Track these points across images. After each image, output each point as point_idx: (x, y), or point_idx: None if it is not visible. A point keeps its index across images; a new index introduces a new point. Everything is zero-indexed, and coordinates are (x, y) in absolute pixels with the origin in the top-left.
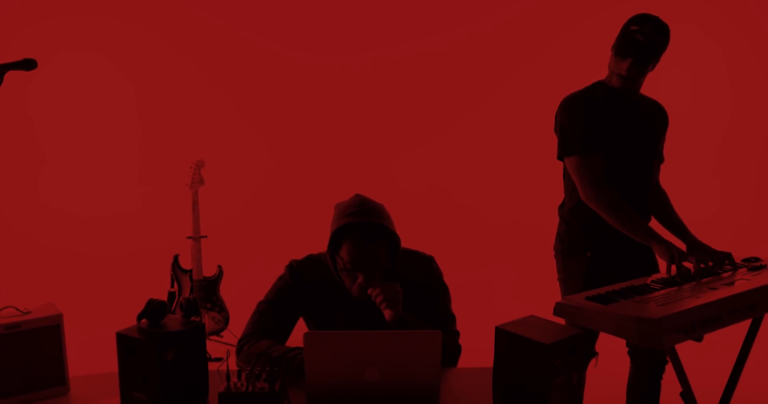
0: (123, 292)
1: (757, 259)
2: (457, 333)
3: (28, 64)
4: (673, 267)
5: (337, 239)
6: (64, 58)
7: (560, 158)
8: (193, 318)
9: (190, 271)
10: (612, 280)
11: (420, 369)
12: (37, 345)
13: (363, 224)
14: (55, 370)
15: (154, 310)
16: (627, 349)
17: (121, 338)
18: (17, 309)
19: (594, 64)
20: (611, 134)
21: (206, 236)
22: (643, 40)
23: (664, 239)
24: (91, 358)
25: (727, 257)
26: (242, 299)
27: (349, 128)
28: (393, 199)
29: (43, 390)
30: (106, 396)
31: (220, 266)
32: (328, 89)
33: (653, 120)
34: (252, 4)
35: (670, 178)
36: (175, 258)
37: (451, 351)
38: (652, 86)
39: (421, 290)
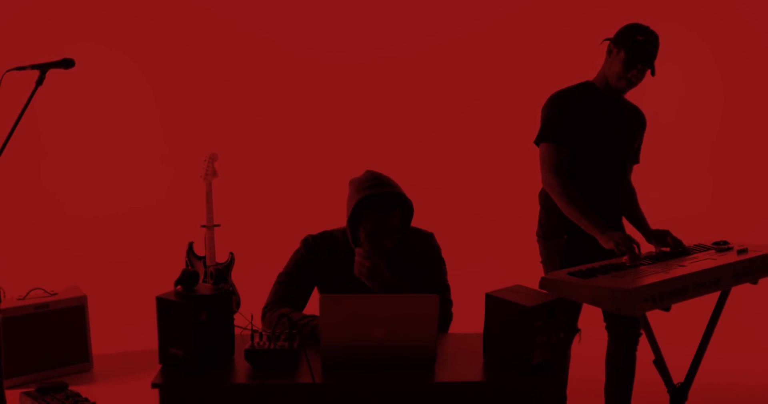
0: (141, 277)
1: (725, 242)
2: (451, 302)
3: (67, 63)
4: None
5: (358, 210)
6: (79, 53)
7: (536, 143)
8: (221, 286)
9: (204, 257)
10: (588, 260)
11: (419, 327)
12: (64, 324)
13: (381, 195)
14: (80, 348)
15: (188, 278)
16: (605, 324)
17: (161, 301)
18: (45, 291)
19: (589, 61)
20: (590, 131)
21: (219, 225)
22: (652, 49)
23: (608, 229)
24: (112, 339)
25: (680, 243)
26: (253, 284)
27: (356, 123)
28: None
29: (68, 366)
30: (126, 372)
31: (231, 253)
32: (337, 86)
33: (632, 123)
34: (264, 3)
35: (665, 176)
36: (190, 245)
37: (445, 317)
38: (646, 86)
39: (421, 262)
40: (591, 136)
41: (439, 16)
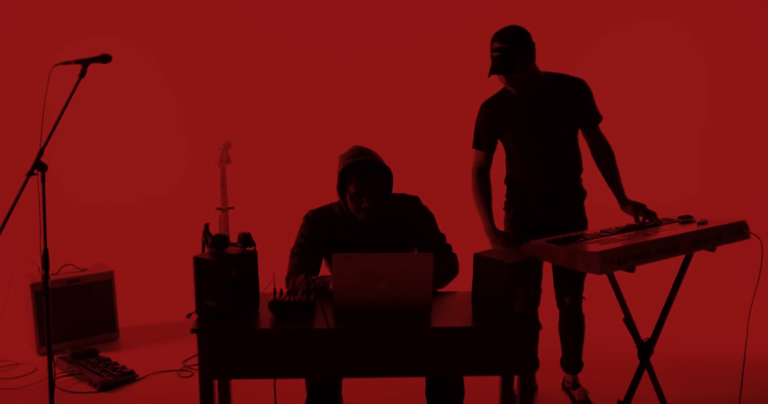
0: (162, 255)
1: (689, 216)
2: (449, 246)
3: (105, 58)
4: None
5: (344, 176)
6: (93, 45)
7: None
8: (248, 248)
9: None
10: (527, 232)
11: (416, 281)
12: (93, 297)
13: (363, 162)
14: (108, 319)
15: (220, 241)
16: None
17: (197, 261)
18: (75, 267)
19: (576, 55)
20: (510, 130)
21: (233, 208)
22: (497, 54)
23: (492, 230)
24: (135, 312)
25: (653, 214)
26: (262, 261)
27: (360, 115)
28: (400, 180)
29: (97, 336)
30: (149, 341)
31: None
32: (343, 80)
33: (557, 100)
34: (275, 1)
35: (658, 166)
36: (206, 227)
37: (450, 261)
38: (641, 84)
39: (412, 222)
40: (512, 133)
41: (442, 12)
